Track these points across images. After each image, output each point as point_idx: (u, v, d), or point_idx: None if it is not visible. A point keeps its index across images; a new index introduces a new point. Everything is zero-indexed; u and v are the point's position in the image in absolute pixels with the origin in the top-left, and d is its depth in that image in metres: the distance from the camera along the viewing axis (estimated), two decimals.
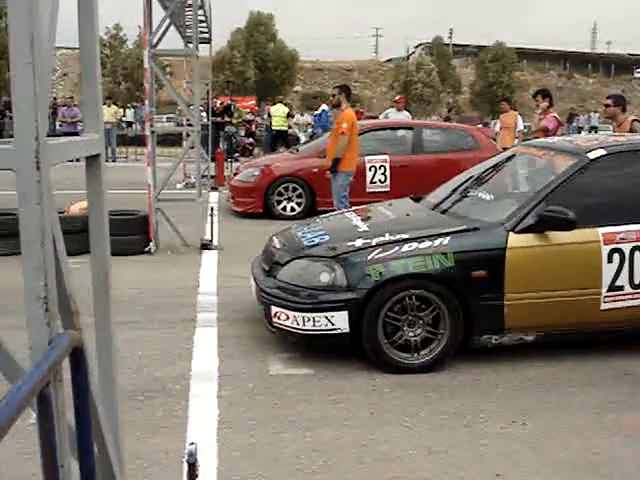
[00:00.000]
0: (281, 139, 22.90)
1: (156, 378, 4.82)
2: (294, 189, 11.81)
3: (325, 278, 5.08)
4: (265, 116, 24.65)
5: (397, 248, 5.06)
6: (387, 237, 5.22)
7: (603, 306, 5.15)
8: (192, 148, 9.98)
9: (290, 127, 24.11)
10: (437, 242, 5.07)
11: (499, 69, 54.35)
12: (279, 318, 5.09)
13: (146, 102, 9.12)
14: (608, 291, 5.13)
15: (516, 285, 5.03)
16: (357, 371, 4.98)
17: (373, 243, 5.17)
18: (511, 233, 5.08)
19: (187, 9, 11.30)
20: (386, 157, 11.81)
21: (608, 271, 5.12)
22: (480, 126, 16.73)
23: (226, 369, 4.99)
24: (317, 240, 5.57)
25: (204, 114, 18.18)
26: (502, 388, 4.75)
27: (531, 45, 69.60)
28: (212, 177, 15.72)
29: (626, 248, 5.12)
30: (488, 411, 4.37)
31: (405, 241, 5.12)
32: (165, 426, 4.14)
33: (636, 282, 5.16)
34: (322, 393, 4.63)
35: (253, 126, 27.81)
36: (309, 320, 4.96)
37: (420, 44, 68.05)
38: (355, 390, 4.68)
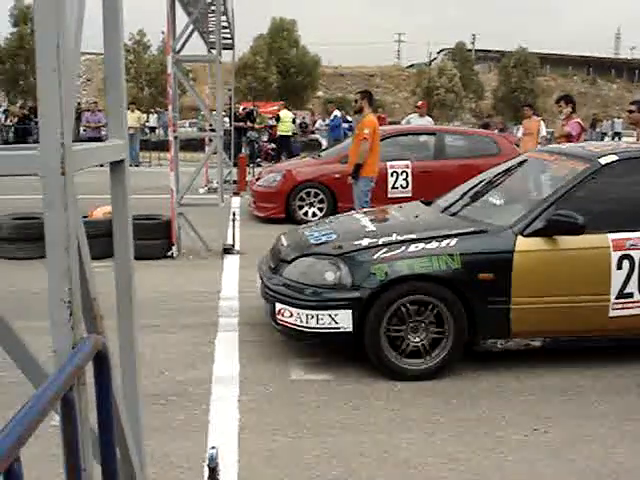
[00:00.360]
0: (286, 145, 23.00)
1: (177, 382, 4.84)
2: (316, 194, 11.82)
3: (330, 276, 5.06)
4: (273, 121, 24.76)
5: (403, 248, 5.04)
6: (394, 237, 5.20)
7: (612, 313, 5.09)
8: (215, 153, 10.01)
9: (295, 133, 24.15)
10: (444, 243, 5.04)
11: (522, 74, 54.12)
12: (283, 315, 5.08)
13: (169, 108, 9.18)
14: (617, 298, 5.07)
15: (523, 289, 4.99)
16: (378, 377, 4.96)
17: (379, 243, 5.15)
18: (519, 236, 5.05)
19: (210, 15, 11.37)
20: (408, 162, 11.78)
21: (617, 278, 5.05)
22: (496, 131, 16.60)
23: (247, 374, 5.00)
24: (324, 239, 5.57)
25: (227, 119, 18.25)
26: (524, 395, 4.72)
27: (554, 50, 69.31)
28: (234, 182, 15.78)
29: (636, 255, 5.06)
30: (510, 418, 4.35)
31: (412, 241, 5.10)
32: (186, 430, 4.15)
33: None
34: (343, 399, 4.62)
35: (276, 131, 27.88)
36: (313, 318, 4.95)
37: (442, 49, 67.94)
38: (376, 396, 4.67)
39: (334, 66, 63.50)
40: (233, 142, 16.88)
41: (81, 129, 23.36)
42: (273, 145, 25.73)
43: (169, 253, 8.81)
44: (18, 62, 42.38)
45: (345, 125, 22.35)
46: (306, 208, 11.82)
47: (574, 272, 5.07)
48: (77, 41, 1.34)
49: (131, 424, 1.66)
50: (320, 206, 11.79)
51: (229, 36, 14.30)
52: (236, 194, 15.02)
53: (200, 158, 14.90)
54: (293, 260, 5.42)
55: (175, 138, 9.14)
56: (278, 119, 24.15)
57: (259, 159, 22.78)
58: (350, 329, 4.92)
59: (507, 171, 6.47)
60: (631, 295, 5.08)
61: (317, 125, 25.33)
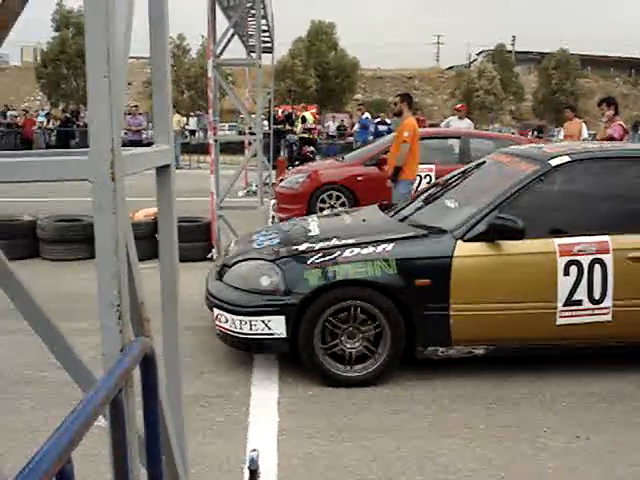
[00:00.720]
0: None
1: (217, 384, 4.87)
2: (338, 197, 11.81)
3: (265, 281, 4.97)
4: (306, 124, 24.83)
5: (339, 253, 4.94)
6: (333, 242, 5.12)
7: (559, 321, 4.90)
8: (254, 156, 10.05)
9: (333, 136, 24.22)
10: (380, 248, 4.93)
11: (562, 76, 53.50)
12: (220, 321, 5.03)
13: (210, 111, 9.24)
14: (564, 306, 4.88)
15: (463, 295, 4.85)
16: (418, 381, 4.95)
17: (316, 247, 5.07)
18: (459, 241, 4.92)
19: (250, 19, 11.44)
20: (432, 166, 11.68)
21: (564, 284, 4.87)
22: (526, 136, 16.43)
23: (286, 376, 5.01)
24: (267, 243, 5.52)
25: (266, 122, 18.33)
26: (565, 402, 4.66)
27: (596, 52, 68.39)
28: (273, 185, 15.83)
29: (585, 260, 4.88)
30: (551, 425, 4.30)
31: (348, 246, 5.00)
32: (226, 431, 4.18)
33: (596, 297, 4.90)
34: (382, 403, 4.61)
35: (314, 134, 27.94)
36: (246, 324, 4.88)
37: (482, 51, 67.47)
38: (415, 400, 4.65)
39: (373, 69, 63.36)
40: (272, 145, 16.95)
41: (122, 132, 23.64)
42: (312, 148, 25.81)
43: (209, 255, 8.87)
44: (60, 66, 43.02)
45: (384, 128, 22.29)
46: (327, 211, 11.79)
47: (517, 278, 4.90)
48: (126, 47, 1.36)
49: (175, 427, 1.67)
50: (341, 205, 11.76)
51: (268, 39, 14.36)
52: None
53: (239, 161, 14.98)
54: (234, 264, 5.36)
55: (215, 142, 9.20)
56: (304, 120, 24.22)
57: (298, 162, 22.85)
58: (284, 335, 4.84)
59: (463, 174, 6.35)
60: (580, 302, 4.90)
61: (355, 128, 25.35)
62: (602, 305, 4.92)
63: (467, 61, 69.01)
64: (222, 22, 9.74)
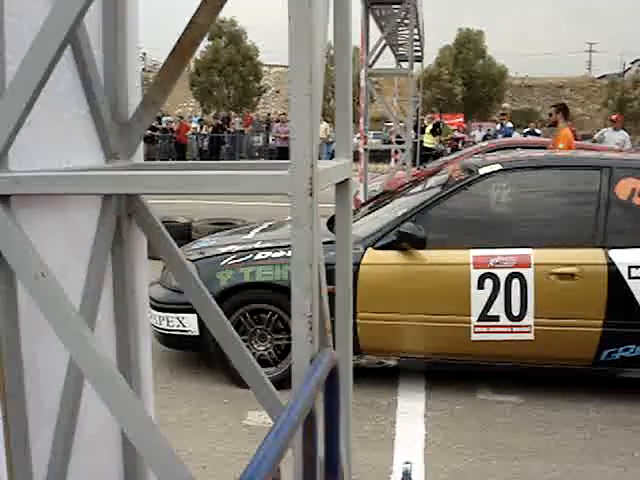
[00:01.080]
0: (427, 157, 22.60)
1: (365, 392, 4.90)
2: None
3: None
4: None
5: (251, 255, 5.00)
6: (257, 245, 5.17)
7: (474, 337, 4.63)
8: (404, 164, 10.07)
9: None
10: (290, 252, 4.78)
11: None
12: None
13: (360, 120, 9.34)
14: (479, 321, 4.59)
15: (371, 304, 4.71)
16: (568, 403, 4.79)
17: (234, 250, 5.13)
18: (370, 249, 4.80)
19: (401, 29, 11.47)
20: None
21: (479, 298, 4.59)
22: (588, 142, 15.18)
23: (433, 389, 4.98)
24: (204, 244, 5.61)
25: (412, 131, 18.29)
26: None
27: None
28: None
29: (502, 274, 4.57)
30: None
31: (263, 249, 5.04)
32: (372, 440, 4.21)
33: (514, 314, 4.57)
34: (531, 423, 4.50)
35: (460, 143, 27.64)
36: (164, 319, 5.05)
37: (637, 59, 64.64)
38: (566, 423, 4.50)
39: (521, 77, 62.02)
40: (419, 154, 16.88)
41: (270, 138, 24.34)
42: None
43: None
44: (212, 74, 44.60)
45: (535, 138, 21.76)
46: None
47: (429, 289, 4.70)
48: (322, 66, 1.40)
49: (345, 439, 1.69)
50: None
51: (418, 49, 14.33)
52: None
53: (383, 169, 15.04)
54: None
55: (365, 150, 9.29)
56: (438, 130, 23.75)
57: None
58: (197, 333, 4.95)
59: (415, 183, 6.24)
60: (497, 318, 4.60)
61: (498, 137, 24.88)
62: (522, 323, 4.62)
63: (621, 70, 66.26)
64: (373, 32, 9.82)
